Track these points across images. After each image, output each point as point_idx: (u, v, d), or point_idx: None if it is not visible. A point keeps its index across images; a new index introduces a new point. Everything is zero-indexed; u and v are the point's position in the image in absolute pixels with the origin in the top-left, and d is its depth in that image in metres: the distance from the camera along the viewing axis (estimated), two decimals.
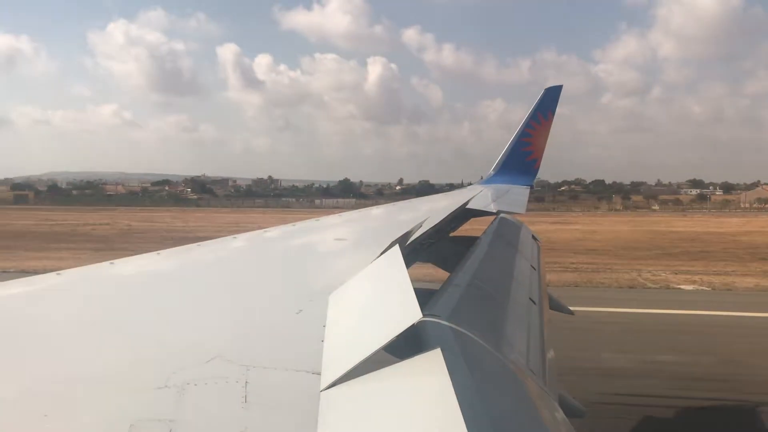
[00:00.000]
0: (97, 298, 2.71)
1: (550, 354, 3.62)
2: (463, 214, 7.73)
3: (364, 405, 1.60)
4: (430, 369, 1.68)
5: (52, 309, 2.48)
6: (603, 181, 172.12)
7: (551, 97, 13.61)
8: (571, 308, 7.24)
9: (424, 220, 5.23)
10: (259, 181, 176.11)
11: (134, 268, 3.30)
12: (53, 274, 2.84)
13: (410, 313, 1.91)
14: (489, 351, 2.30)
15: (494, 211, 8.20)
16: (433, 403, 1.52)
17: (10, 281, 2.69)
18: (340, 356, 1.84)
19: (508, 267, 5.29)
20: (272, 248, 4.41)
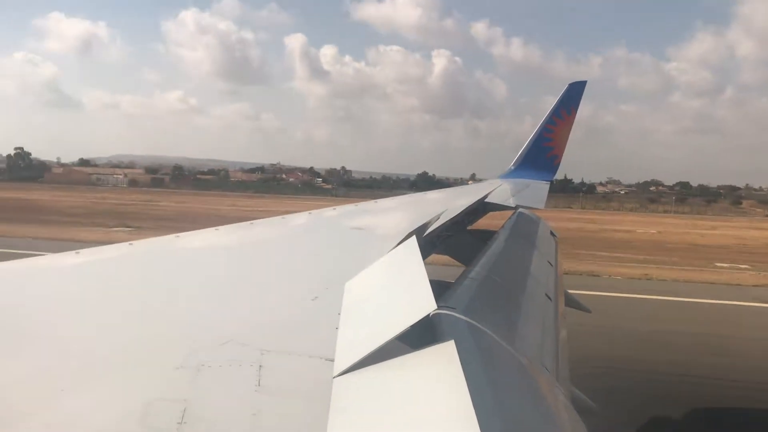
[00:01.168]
0: (116, 278, 2.74)
1: (564, 351, 3.61)
2: (482, 207, 7.71)
3: (375, 393, 1.61)
4: (443, 360, 1.68)
5: (71, 287, 2.52)
6: (688, 183, 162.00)
7: (575, 92, 13.49)
8: None
9: (442, 213, 5.22)
10: (332, 171, 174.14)
11: (153, 249, 3.34)
12: (72, 252, 2.88)
13: (425, 304, 1.92)
14: (502, 345, 2.30)
15: (513, 205, 8.17)
16: (444, 394, 1.52)
17: (26, 259, 2.73)
18: (354, 344, 1.84)
19: (524, 262, 5.27)
20: (292, 235, 4.43)
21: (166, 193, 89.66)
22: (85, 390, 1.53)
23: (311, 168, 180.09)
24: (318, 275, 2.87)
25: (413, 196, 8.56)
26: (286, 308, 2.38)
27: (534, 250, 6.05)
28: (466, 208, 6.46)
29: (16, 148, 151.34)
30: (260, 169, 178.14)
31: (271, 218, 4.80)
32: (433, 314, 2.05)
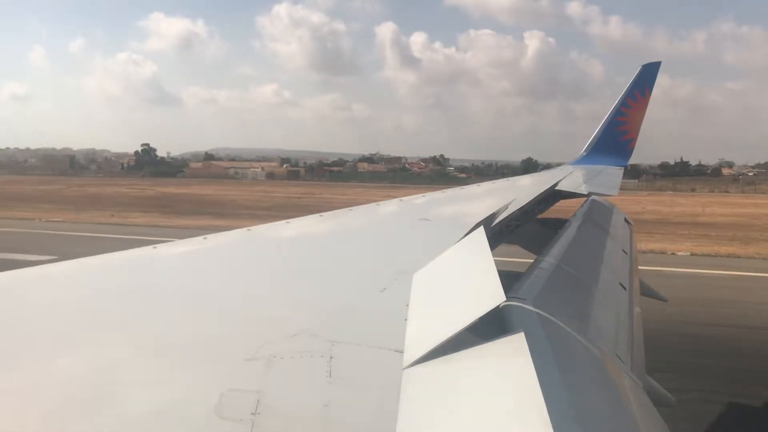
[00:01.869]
0: (192, 272, 2.83)
1: (639, 341, 3.51)
2: (553, 195, 7.57)
3: (445, 384, 1.61)
4: (513, 352, 1.66)
5: (147, 281, 2.61)
6: None
7: (649, 73, 13.02)
8: None
9: (511, 202, 5.15)
10: (430, 160, 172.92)
11: (226, 243, 3.42)
12: (150, 247, 2.99)
13: (494, 295, 1.90)
14: (574, 336, 2.26)
15: (585, 192, 7.97)
16: (514, 386, 1.51)
17: (110, 254, 2.84)
18: (423, 335, 1.85)
19: (597, 251, 5.15)
20: (360, 226, 4.47)
21: (315, 186, 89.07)
22: (162, 382, 1.59)
23: (441, 155, 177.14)
24: (387, 266, 2.89)
25: (482, 185, 8.47)
26: (355, 299, 2.40)
27: (607, 238, 5.90)
28: (536, 196, 6.35)
29: (142, 145, 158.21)
30: (368, 159, 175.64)
31: (338, 210, 4.85)
32: (503, 306, 2.04)
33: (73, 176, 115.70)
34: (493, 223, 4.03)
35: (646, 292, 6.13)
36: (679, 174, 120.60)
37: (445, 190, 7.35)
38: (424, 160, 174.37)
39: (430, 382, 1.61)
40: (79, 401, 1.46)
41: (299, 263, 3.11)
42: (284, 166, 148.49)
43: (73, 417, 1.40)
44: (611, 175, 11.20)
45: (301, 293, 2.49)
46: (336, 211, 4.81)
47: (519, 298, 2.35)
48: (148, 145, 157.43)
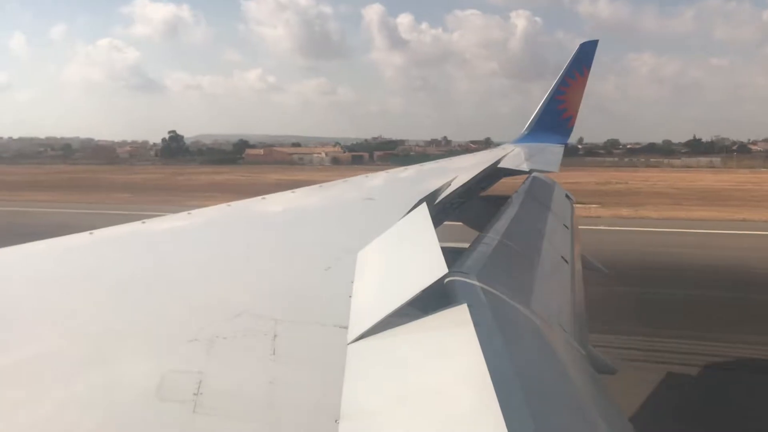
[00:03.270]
0: (128, 256, 2.75)
1: (581, 312, 3.59)
2: (495, 173, 7.65)
3: (390, 357, 1.61)
4: (456, 324, 1.68)
5: (85, 267, 2.53)
6: None
7: (587, 52, 13.25)
8: None
9: (453, 179, 5.18)
10: (432, 142, 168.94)
11: (166, 226, 3.35)
12: (86, 233, 2.89)
13: (436, 269, 1.91)
14: (517, 308, 2.29)
15: (527, 170, 8.09)
16: (458, 356, 1.52)
17: (47, 240, 2.74)
18: (368, 311, 1.85)
19: (539, 226, 5.24)
20: (305, 207, 4.43)
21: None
22: (103, 364, 1.55)
23: (444, 138, 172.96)
24: (331, 245, 2.87)
25: (426, 165, 8.51)
26: (299, 279, 2.39)
27: (549, 213, 6.01)
28: (478, 174, 6.41)
29: (169, 132, 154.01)
30: (393, 144, 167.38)
31: (280, 193, 4.79)
32: (447, 281, 2.04)
33: (119, 165, 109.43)
34: (436, 201, 4.05)
35: (588, 265, 6.27)
36: (708, 151, 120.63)
37: (390, 170, 7.35)
38: (426, 142, 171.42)
39: (374, 356, 1.61)
40: (20, 387, 1.43)
41: (243, 245, 3.07)
42: (346, 152, 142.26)
43: (14, 403, 1.36)
44: (552, 152, 11.40)
45: (245, 274, 2.46)
46: (279, 193, 4.76)
47: (462, 273, 2.37)
48: (175, 132, 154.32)
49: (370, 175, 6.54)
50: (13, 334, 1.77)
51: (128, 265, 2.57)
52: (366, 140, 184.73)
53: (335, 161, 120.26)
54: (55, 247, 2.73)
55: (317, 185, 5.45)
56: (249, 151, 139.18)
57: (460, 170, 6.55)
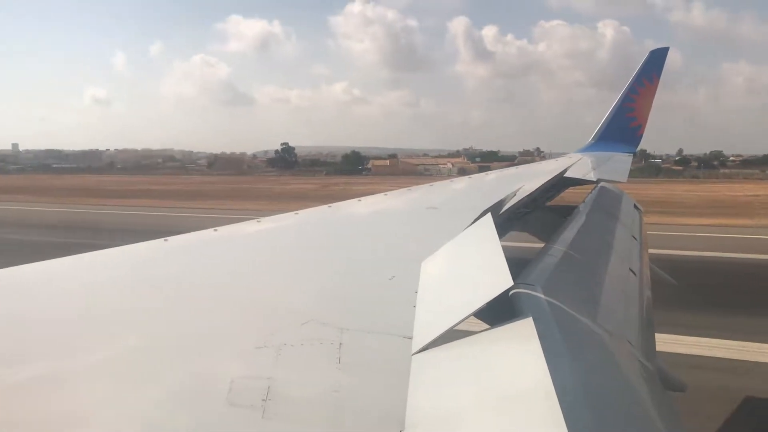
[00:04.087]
0: (201, 263, 2.84)
1: (650, 326, 3.50)
2: (561, 182, 7.53)
3: (454, 369, 1.61)
4: (521, 337, 1.66)
5: (161, 273, 2.63)
6: None
7: (657, 59, 12.92)
8: None
9: (518, 189, 5.13)
10: (526, 153, 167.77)
11: (236, 234, 3.43)
12: (161, 240, 3.00)
13: (501, 281, 1.90)
14: (583, 322, 2.25)
15: (594, 179, 7.93)
16: (523, 370, 1.51)
17: (121, 247, 2.85)
18: (432, 321, 1.86)
19: (606, 237, 5.13)
20: (369, 216, 4.47)
21: None
22: (174, 372, 1.61)
23: (537, 149, 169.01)
24: (395, 255, 2.89)
25: (490, 174, 8.45)
26: (364, 288, 2.41)
27: (617, 224, 5.88)
28: (544, 183, 6.33)
29: (282, 144, 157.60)
30: (491, 154, 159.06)
31: (348, 200, 4.85)
32: (512, 293, 2.03)
33: (250, 175, 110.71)
34: (501, 211, 4.02)
35: (656, 276, 6.09)
36: None
37: (453, 179, 7.34)
38: (520, 153, 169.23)
39: (438, 367, 1.62)
40: (93, 393, 1.48)
41: (309, 253, 3.12)
42: (473, 162, 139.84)
43: (88, 409, 1.41)
44: (620, 161, 11.13)
45: (311, 283, 2.50)
46: (344, 201, 4.82)
47: (527, 284, 2.35)
48: (287, 144, 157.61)
49: (434, 184, 6.55)
50: (91, 336, 1.85)
51: (202, 271, 2.65)
52: (457, 151, 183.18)
53: (462, 172, 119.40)
54: (132, 253, 2.83)
55: (381, 194, 5.49)
56: (374, 162, 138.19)
57: (525, 179, 6.48)
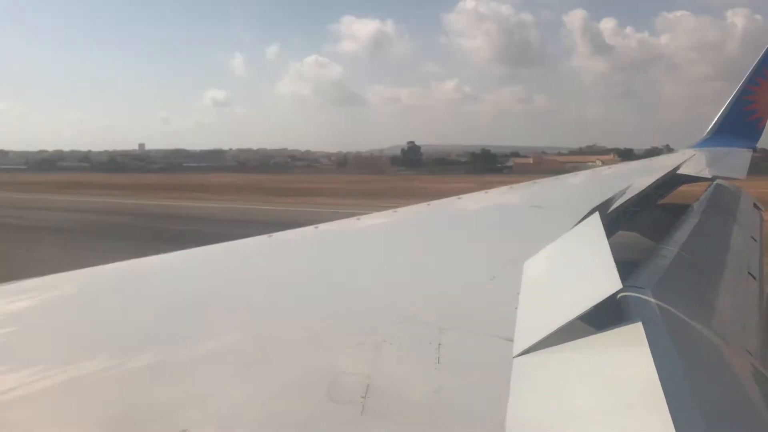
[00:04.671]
0: (303, 260, 2.92)
1: None
2: (674, 180, 7.20)
3: (557, 374, 1.57)
4: (630, 342, 1.60)
5: (263, 269, 2.72)
6: None
7: None
8: None
9: (628, 187, 4.96)
10: (654, 150, 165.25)
11: (337, 231, 3.51)
12: (264, 236, 3.11)
13: (609, 283, 1.84)
14: (696, 328, 2.15)
15: (709, 176, 7.53)
16: (631, 378, 1.45)
17: (226, 243, 2.98)
18: (534, 324, 1.82)
19: (723, 238, 4.87)
20: (470, 214, 4.45)
21: None
22: (277, 368, 1.65)
23: (666, 146, 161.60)
24: (496, 255, 2.86)
25: (598, 171, 8.20)
26: (465, 287, 2.40)
27: (734, 224, 5.56)
28: (655, 181, 6.07)
29: (408, 142, 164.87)
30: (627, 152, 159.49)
31: (447, 198, 4.84)
32: (620, 296, 1.97)
33: (382, 174, 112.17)
34: (609, 210, 3.89)
35: None
36: None
37: (558, 176, 7.18)
38: (646, 150, 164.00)
39: (541, 371, 1.58)
40: (195, 388, 1.54)
41: (409, 251, 3.14)
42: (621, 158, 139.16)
43: (190, 402, 1.47)
44: (738, 157, 10.51)
45: (411, 281, 2.52)
46: (445, 199, 4.81)
47: (637, 287, 2.26)
48: (413, 142, 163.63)
49: (539, 181, 6.43)
50: (195, 331, 1.93)
51: (302, 271, 2.72)
52: (580, 149, 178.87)
53: None
54: (236, 249, 2.95)
55: (482, 192, 5.44)
56: (516, 160, 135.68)
57: (636, 177, 6.25)
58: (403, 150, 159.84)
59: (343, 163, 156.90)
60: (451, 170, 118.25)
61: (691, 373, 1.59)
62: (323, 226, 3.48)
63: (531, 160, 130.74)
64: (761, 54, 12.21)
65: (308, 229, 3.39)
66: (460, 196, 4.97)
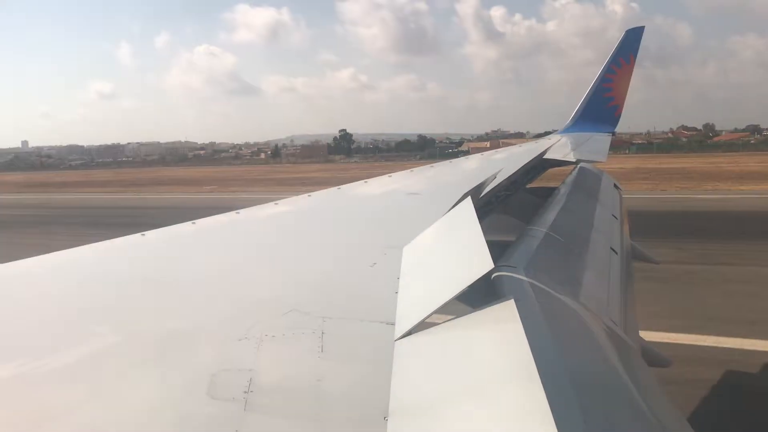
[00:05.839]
0: (178, 257, 2.81)
1: (632, 304, 3.53)
2: (541, 164, 7.55)
3: (437, 354, 1.61)
4: (504, 318, 1.66)
5: (137, 268, 2.60)
6: None
7: (633, 39, 12.99)
8: None
9: (498, 172, 5.14)
10: (549, 133, 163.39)
11: (213, 225, 3.41)
12: (138, 235, 2.97)
13: (482, 263, 1.89)
14: (564, 302, 2.26)
15: (574, 160, 7.96)
16: (506, 352, 1.50)
17: (104, 242, 2.82)
18: (414, 307, 1.85)
19: (587, 217, 5.16)
20: (349, 203, 4.45)
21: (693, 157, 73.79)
22: (153, 368, 1.59)
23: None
24: (377, 241, 2.88)
25: (469, 158, 8.47)
26: (346, 275, 2.41)
27: (597, 204, 5.91)
28: (523, 165, 6.34)
29: (340, 131, 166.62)
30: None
31: (326, 189, 4.83)
32: (494, 275, 2.03)
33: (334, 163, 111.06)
34: (482, 194, 4.01)
35: (638, 255, 6.14)
36: None
37: (434, 164, 7.33)
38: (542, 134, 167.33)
39: (421, 352, 1.61)
40: (72, 392, 1.46)
41: (289, 243, 3.10)
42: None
43: (68, 407, 1.40)
44: (599, 141, 11.20)
45: (291, 272, 2.49)
46: (324, 190, 4.80)
47: (509, 266, 2.35)
48: (345, 131, 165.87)
49: (414, 169, 6.54)
50: (70, 333, 1.82)
51: (177, 268, 2.63)
52: (486, 134, 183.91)
53: None
54: (107, 249, 2.80)
55: (361, 181, 5.47)
56: (471, 144, 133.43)
57: (505, 162, 6.49)
58: (335, 138, 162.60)
59: (276, 153, 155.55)
60: (391, 157, 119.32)
61: (561, 346, 1.66)
62: (201, 221, 3.37)
63: (488, 145, 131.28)
64: (616, 44, 13.05)
65: (184, 226, 3.27)
66: (340, 186, 4.97)
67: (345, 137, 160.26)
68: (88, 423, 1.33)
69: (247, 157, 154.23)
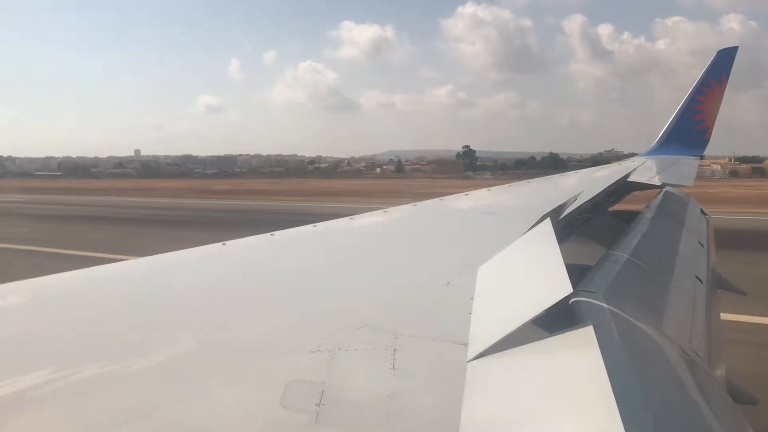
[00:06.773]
0: (257, 267, 2.88)
1: (719, 336, 3.37)
2: (624, 187, 7.35)
3: (510, 377, 1.59)
4: (581, 345, 1.62)
5: (215, 277, 2.68)
6: None
7: (725, 59, 12.51)
8: None
9: (579, 194, 5.03)
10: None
11: (291, 239, 3.48)
12: (219, 244, 3.06)
13: (560, 287, 1.86)
14: (645, 331, 2.18)
15: (658, 184, 7.71)
16: (582, 380, 1.47)
17: (184, 251, 2.92)
18: (488, 328, 1.83)
19: (672, 243, 4.98)
20: (424, 221, 4.46)
21: None
22: (228, 377, 1.62)
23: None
24: (451, 260, 2.87)
25: (548, 179, 8.32)
26: (419, 293, 2.40)
27: (682, 230, 5.70)
28: (606, 188, 6.19)
29: (463, 147, 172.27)
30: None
31: (402, 206, 4.85)
32: (572, 300, 1.99)
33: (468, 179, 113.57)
34: (561, 216, 3.94)
35: (725, 285, 5.87)
36: None
37: (512, 183, 7.25)
38: None
39: (494, 374, 1.59)
40: (149, 395, 1.50)
41: (364, 258, 3.13)
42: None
43: (145, 410, 1.44)
44: (686, 165, 10.80)
45: (365, 287, 2.51)
46: (399, 206, 4.82)
47: (588, 291, 2.29)
48: (468, 147, 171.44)
49: (492, 188, 6.49)
50: (152, 337, 1.89)
51: (254, 278, 2.69)
52: (600, 153, 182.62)
53: (734, 173, 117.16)
54: (184, 258, 2.90)
55: (437, 198, 5.48)
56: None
57: (587, 183, 6.35)
58: (458, 154, 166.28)
59: (399, 168, 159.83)
60: (520, 174, 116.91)
61: (640, 376, 1.61)
62: (278, 234, 3.45)
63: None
64: (707, 65, 12.60)
65: (262, 237, 3.35)
66: (416, 203, 4.99)
67: (468, 153, 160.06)
68: (163, 426, 1.36)
69: (363, 170, 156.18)
